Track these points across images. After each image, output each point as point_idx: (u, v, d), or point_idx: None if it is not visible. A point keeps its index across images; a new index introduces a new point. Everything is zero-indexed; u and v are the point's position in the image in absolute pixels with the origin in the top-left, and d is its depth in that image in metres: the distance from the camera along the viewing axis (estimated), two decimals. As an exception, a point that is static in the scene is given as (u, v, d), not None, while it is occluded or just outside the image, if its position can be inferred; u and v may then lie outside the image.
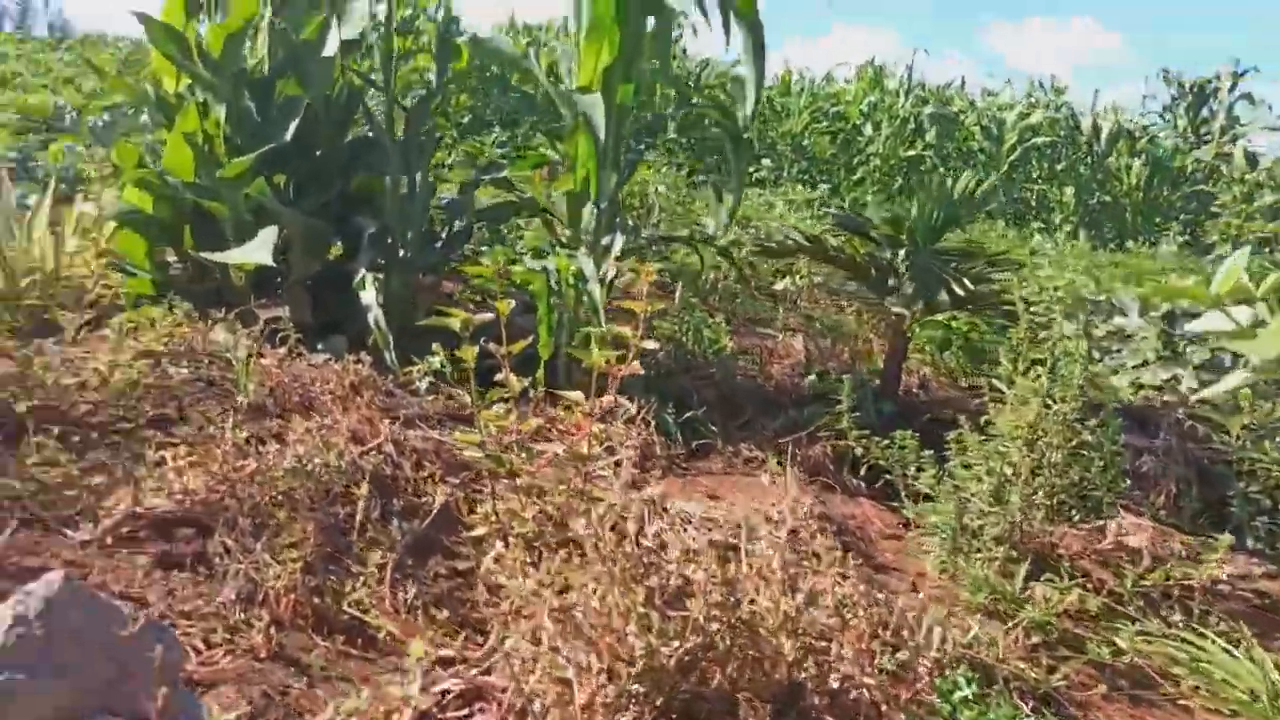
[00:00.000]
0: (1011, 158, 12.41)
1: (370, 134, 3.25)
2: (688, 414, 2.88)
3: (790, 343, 3.76)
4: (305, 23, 3.25)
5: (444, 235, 3.26)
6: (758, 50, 3.04)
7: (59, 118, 7.55)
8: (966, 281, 2.67)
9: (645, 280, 1.91)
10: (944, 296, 2.74)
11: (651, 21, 2.78)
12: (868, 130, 12.74)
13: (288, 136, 2.99)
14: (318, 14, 3.29)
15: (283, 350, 2.90)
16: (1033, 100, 13.62)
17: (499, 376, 2.15)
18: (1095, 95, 13.33)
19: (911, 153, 12.48)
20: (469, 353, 1.91)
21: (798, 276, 4.67)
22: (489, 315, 1.99)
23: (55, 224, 3.63)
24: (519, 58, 3.01)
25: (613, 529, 1.44)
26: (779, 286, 4.69)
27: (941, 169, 12.45)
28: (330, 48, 3.03)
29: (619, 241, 2.80)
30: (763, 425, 3.05)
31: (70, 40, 16.96)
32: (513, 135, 10.97)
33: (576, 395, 1.94)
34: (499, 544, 1.87)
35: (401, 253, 3.13)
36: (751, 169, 11.18)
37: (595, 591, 1.30)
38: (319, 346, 3.02)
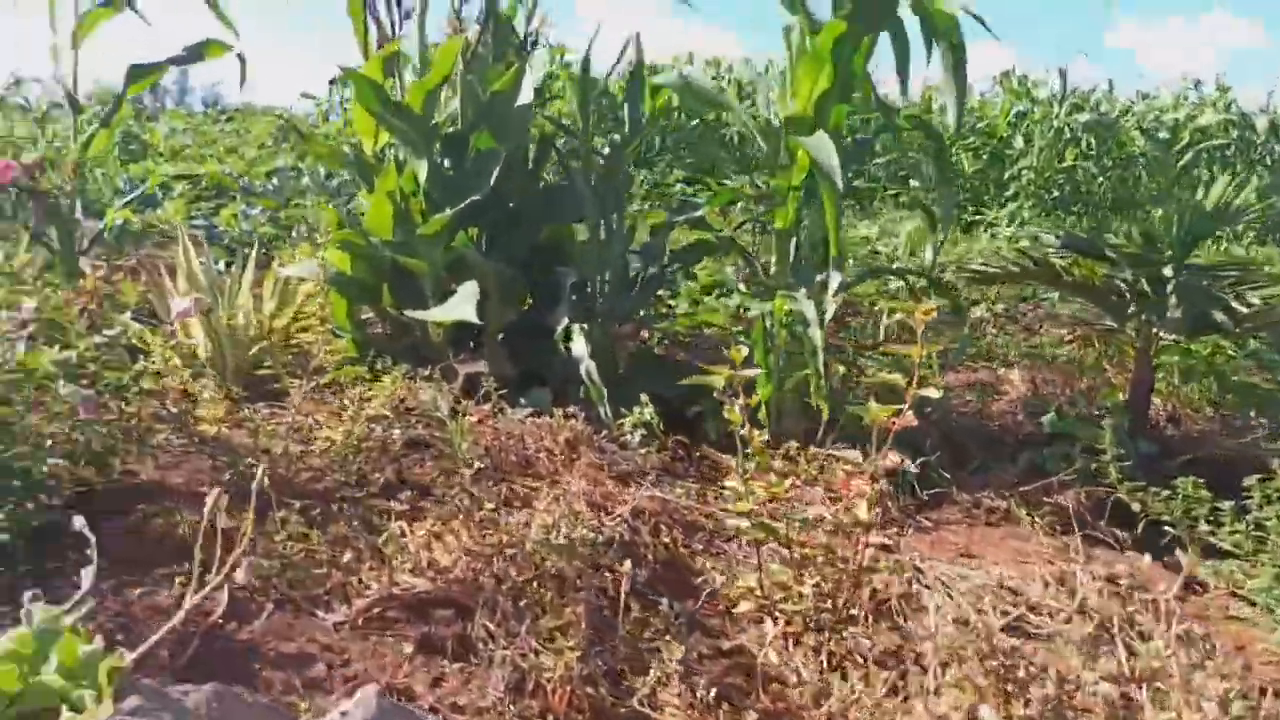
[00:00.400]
0: (1181, 162, 11.57)
1: (562, 181, 3.19)
2: (920, 460, 2.64)
3: (1007, 376, 3.47)
4: (492, 76, 3.23)
5: (639, 281, 3.16)
6: (959, 68, 2.83)
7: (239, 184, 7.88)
8: (1256, 299, 2.36)
9: (921, 320, 1.71)
10: (1221, 318, 2.43)
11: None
12: (1017, 143, 12.15)
13: (487, 189, 2.94)
14: (501, 65, 3.27)
15: (487, 406, 2.83)
16: (1199, 101, 12.73)
17: (741, 431, 1.98)
18: (1270, 96, 12.32)
19: (1068, 164, 11.82)
20: (734, 414, 1.75)
21: (992, 304, 4.36)
22: (754, 370, 1.83)
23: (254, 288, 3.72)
24: (713, 94, 2.89)
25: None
26: (974, 315, 4.40)
27: (1101, 179, 11.76)
28: (524, 98, 2.98)
29: (836, 279, 2.61)
30: (998, 470, 2.78)
31: (229, 112, 18.09)
32: (650, 173, 10.96)
33: (853, 454, 1.75)
34: (769, 624, 1.69)
35: (600, 301, 3.04)
36: (894, 192, 10.82)
37: (953, 701, 1.10)
38: (520, 401, 2.95)
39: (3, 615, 1.66)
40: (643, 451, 2.67)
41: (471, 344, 3.19)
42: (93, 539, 1.28)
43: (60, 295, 2.52)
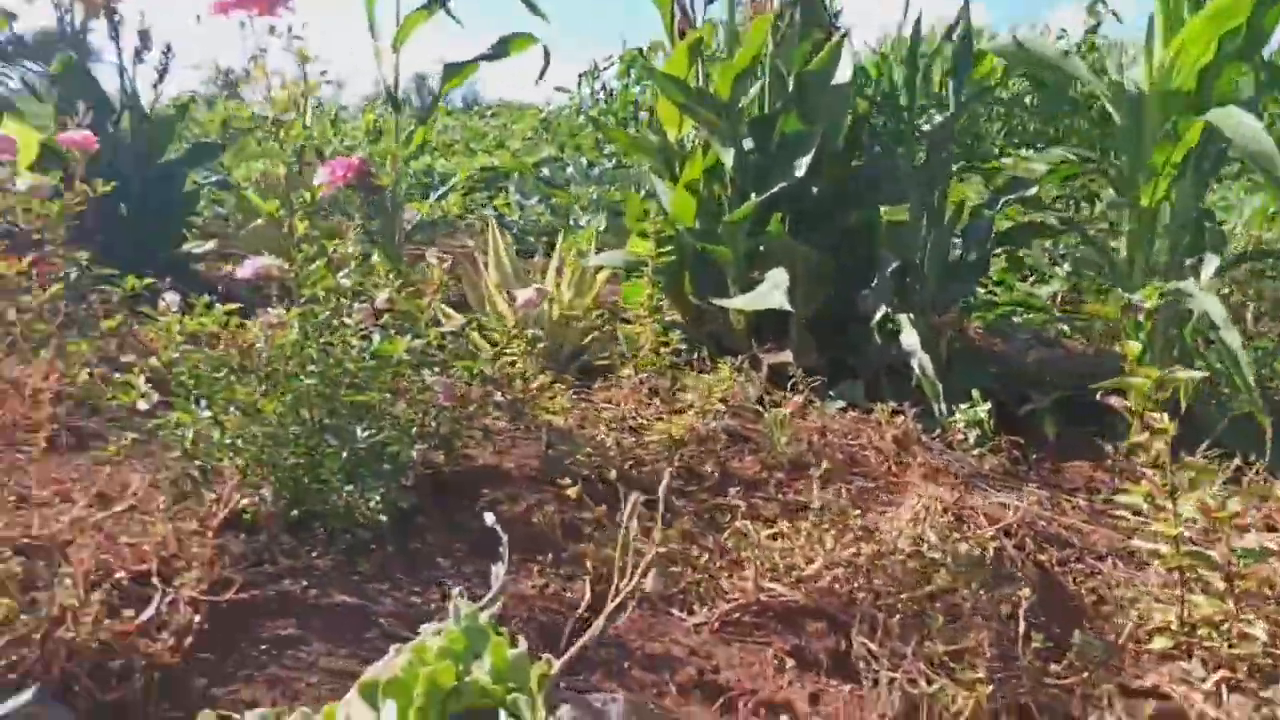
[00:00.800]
0: None
1: (876, 162, 3.01)
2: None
3: None
4: (798, 55, 3.09)
5: (961, 266, 2.92)
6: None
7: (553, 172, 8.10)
8: None
9: None
10: None
11: None
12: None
13: (799, 174, 2.82)
14: (808, 44, 3.12)
15: (796, 398, 2.72)
16: None
17: (1137, 439, 1.73)
18: None
19: None
20: (1166, 423, 1.51)
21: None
22: (1195, 372, 1.58)
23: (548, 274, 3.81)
24: (1057, 58, 2.59)
25: None
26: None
27: None
28: (842, 76, 2.82)
29: (1212, 264, 2.26)
30: None
31: (493, 108, 19.10)
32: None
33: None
34: (1195, 665, 1.45)
35: (920, 289, 2.83)
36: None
37: None
38: (830, 394, 2.81)
39: (381, 593, 1.74)
40: (976, 453, 2.46)
41: (774, 333, 3.08)
42: (505, 537, 1.27)
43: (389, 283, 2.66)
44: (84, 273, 1.72)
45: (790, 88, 3.01)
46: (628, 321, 3.41)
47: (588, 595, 1.68)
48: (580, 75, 12.92)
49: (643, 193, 3.76)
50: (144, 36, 4.54)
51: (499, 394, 2.44)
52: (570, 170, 8.80)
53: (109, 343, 2.14)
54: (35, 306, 1.78)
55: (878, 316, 2.72)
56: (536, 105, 16.72)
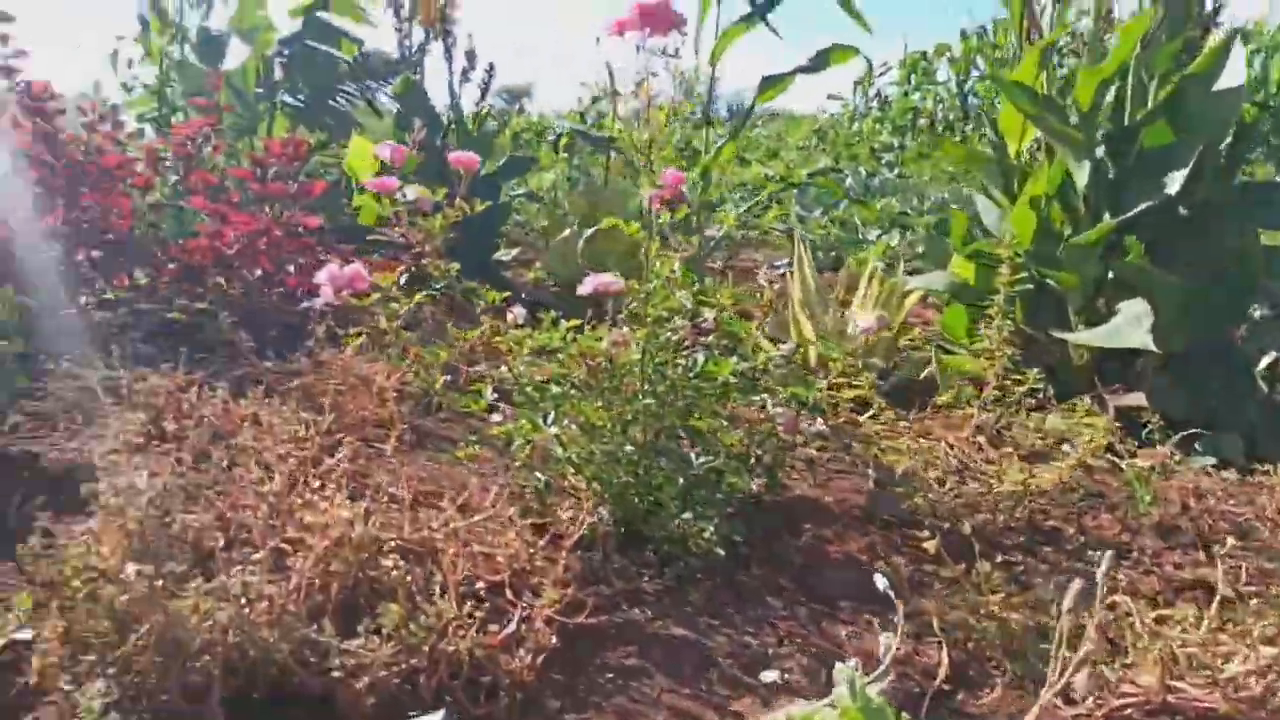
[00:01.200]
0: None
1: (1258, 178, 2.60)
2: None
3: None
4: (1159, 59, 2.73)
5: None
6: None
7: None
8: None
9: None
10: None
11: None
12: None
13: (1169, 191, 2.48)
14: (1175, 44, 2.75)
15: (1157, 449, 2.38)
16: None
17: None
18: None
19: None
20: None
21: None
22: None
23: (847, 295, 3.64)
24: None
25: None
26: None
27: None
28: (1230, 80, 2.44)
29: None
30: None
31: (763, 118, 19.10)
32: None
33: None
34: None
35: (1317, 329, 2.41)
36: None
37: None
38: (1196, 447, 2.45)
39: (714, 629, 1.66)
40: (1403, 534, 2.02)
41: (1121, 371, 2.74)
42: (900, 605, 1.14)
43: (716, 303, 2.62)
44: (455, 283, 1.78)
45: (1154, 94, 2.66)
46: (945, 350, 3.17)
47: (945, 664, 1.51)
48: (855, 82, 12.46)
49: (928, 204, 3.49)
50: (470, 57, 4.87)
51: (820, 421, 2.33)
52: (849, 181, 8.57)
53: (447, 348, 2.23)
54: (403, 313, 1.87)
55: (1266, 361, 2.33)
56: (797, 113, 16.42)
